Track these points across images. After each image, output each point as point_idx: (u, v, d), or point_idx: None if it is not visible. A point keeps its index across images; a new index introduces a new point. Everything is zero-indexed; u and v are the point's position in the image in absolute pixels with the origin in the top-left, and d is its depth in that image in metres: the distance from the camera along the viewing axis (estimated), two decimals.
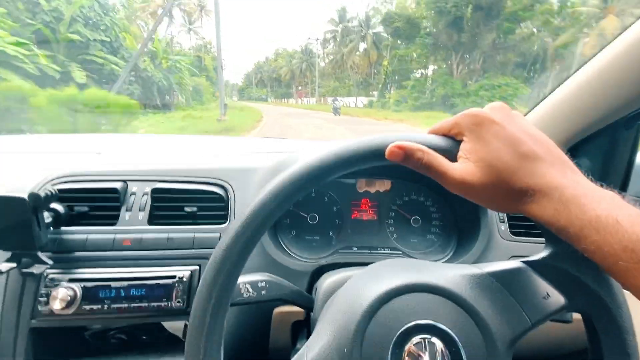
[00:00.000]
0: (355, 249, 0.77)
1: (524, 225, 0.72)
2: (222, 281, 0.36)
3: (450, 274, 0.39)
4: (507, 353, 0.36)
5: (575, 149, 0.71)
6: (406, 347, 0.34)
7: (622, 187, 0.71)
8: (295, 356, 0.39)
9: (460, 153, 0.35)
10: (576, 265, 0.38)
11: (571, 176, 0.32)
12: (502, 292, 0.38)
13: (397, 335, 0.35)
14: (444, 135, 0.37)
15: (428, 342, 0.34)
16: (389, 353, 0.34)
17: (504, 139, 0.33)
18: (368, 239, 0.81)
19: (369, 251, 0.76)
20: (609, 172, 0.70)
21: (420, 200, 0.83)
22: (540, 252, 0.41)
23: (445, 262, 0.74)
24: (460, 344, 0.34)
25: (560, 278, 0.39)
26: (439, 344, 0.34)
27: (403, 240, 0.81)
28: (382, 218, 0.82)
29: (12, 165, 0.90)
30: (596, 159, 0.69)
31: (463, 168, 0.34)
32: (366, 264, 0.48)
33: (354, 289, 0.42)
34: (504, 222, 0.73)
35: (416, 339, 0.35)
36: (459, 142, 0.36)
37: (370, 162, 0.37)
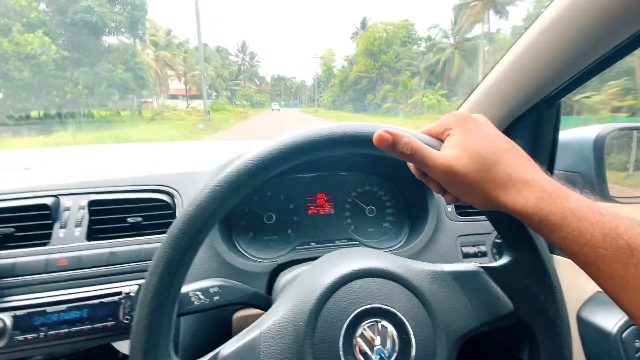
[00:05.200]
0: (313, 244, 0.77)
1: (468, 206, 0.77)
2: (160, 292, 0.34)
3: (413, 266, 0.41)
4: (453, 348, 0.38)
5: (507, 131, 0.76)
6: (359, 328, 0.35)
7: (549, 162, 0.78)
8: (251, 326, 0.39)
9: (446, 143, 0.37)
10: (529, 276, 0.41)
11: (544, 174, 0.34)
12: (456, 290, 0.40)
13: (351, 315, 0.36)
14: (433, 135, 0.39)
15: (381, 325, 0.35)
16: (342, 332, 0.35)
17: (488, 135, 0.37)
18: (326, 232, 0.81)
19: (326, 245, 0.77)
20: (537, 150, 0.77)
21: (374, 191, 0.85)
22: (500, 260, 0.43)
23: (400, 246, 0.77)
24: (411, 331, 0.36)
25: (512, 286, 0.42)
26: (390, 328, 0.35)
27: (360, 230, 0.83)
28: (339, 210, 0.84)
29: None
30: (525, 139, 0.76)
31: (449, 154, 0.36)
32: None
33: (313, 272, 0.42)
34: (450, 204, 0.77)
35: (369, 321, 0.36)
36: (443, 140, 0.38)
37: (355, 146, 0.37)
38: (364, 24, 46.77)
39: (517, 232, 0.41)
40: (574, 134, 0.83)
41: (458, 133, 0.37)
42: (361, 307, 0.36)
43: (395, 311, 0.36)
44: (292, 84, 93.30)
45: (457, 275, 0.41)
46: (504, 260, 0.43)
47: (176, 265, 0.34)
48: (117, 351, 0.69)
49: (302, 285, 0.40)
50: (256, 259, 0.72)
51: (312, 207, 0.83)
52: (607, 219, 0.30)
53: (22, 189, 0.65)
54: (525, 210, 0.33)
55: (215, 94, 46.40)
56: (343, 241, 0.78)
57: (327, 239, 0.79)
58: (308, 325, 0.35)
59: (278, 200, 0.81)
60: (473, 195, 0.36)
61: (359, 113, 37.80)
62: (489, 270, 0.43)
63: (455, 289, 0.40)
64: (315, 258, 0.65)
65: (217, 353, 0.37)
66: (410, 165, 0.42)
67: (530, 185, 0.33)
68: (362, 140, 0.37)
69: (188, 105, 34.64)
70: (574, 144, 0.81)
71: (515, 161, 0.35)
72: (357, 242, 0.79)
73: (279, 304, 0.40)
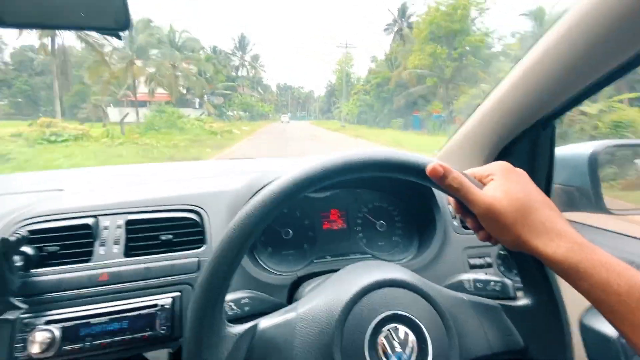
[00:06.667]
0: (329, 257, 0.82)
1: None
2: (212, 304, 0.40)
3: (439, 290, 0.47)
4: None
5: (505, 151, 0.82)
6: (385, 329, 0.40)
7: (547, 179, 0.83)
8: (286, 308, 0.44)
9: (488, 186, 0.42)
10: (543, 319, 0.45)
11: (573, 229, 0.39)
12: (474, 318, 0.46)
13: (381, 316, 0.41)
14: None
15: (404, 332, 0.41)
16: (370, 328, 0.40)
17: (528, 186, 0.42)
18: (340, 246, 0.86)
19: (341, 258, 0.82)
20: (535, 168, 0.82)
21: (384, 206, 0.90)
22: (518, 301, 0.48)
23: (411, 259, 0.82)
24: (430, 344, 0.41)
25: (526, 325, 0.46)
26: (412, 336, 0.41)
27: (371, 244, 0.88)
28: (351, 225, 0.89)
29: None
30: (523, 158, 0.81)
31: (491, 194, 0.41)
32: None
33: (348, 275, 0.47)
34: (455, 218, 0.82)
35: (395, 325, 0.41)
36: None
37: (408, 173, 0.43)
38: (403, 12, 33.35)
39: (538, 276, 0.45)
40: (570, 150, 0.89)
41: (501, 179, 0.42)
42: (391, 310, 0.41)
43: (420, 323, 0.41)
44: (299, 94, 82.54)
45: (476, 305, 0.47)
46: (522, 302, 0.48)
47: (231, 260, 0.40)
48: None
49: (337, 284, 0.46)
50: (277, 272, 0.77)
51: (326, 223, 0.88)
52: (632, 272, 0.34)
53: (64, 209, 0.72)
54: (556, 257, 0.37)
55: (198, 100, 32.14)
56: (357, 254, 0.84)
57: (342, 253, 0.84)
58: (341, 316, 0.40)
59: (294, 217, 0.87)
60: (506, 235, 0.40)
61: (407, 131, 22.83)
62: (506, 308, 0.48)
63: (473, 317, 0.45)
64: (331, 271, 0.70)
65: (257, 324, 0.42)
66: (451, 199, 0.47)
67: (563, 236, 0.37)
68: (416, 170, 0.42)
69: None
70: (571, 159, 0.86)
71: (549, 213, 0.40)
72: (370, 255, 0.84)
73: (313, 295, 0.45)
